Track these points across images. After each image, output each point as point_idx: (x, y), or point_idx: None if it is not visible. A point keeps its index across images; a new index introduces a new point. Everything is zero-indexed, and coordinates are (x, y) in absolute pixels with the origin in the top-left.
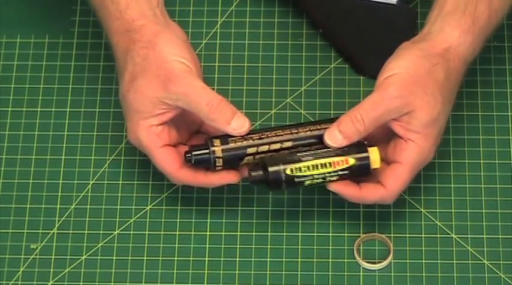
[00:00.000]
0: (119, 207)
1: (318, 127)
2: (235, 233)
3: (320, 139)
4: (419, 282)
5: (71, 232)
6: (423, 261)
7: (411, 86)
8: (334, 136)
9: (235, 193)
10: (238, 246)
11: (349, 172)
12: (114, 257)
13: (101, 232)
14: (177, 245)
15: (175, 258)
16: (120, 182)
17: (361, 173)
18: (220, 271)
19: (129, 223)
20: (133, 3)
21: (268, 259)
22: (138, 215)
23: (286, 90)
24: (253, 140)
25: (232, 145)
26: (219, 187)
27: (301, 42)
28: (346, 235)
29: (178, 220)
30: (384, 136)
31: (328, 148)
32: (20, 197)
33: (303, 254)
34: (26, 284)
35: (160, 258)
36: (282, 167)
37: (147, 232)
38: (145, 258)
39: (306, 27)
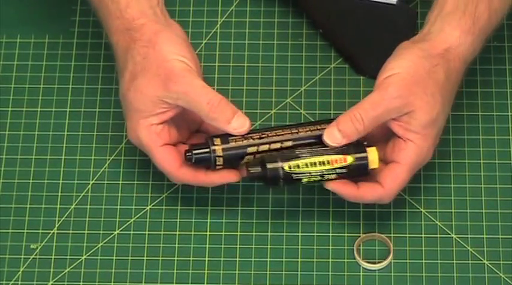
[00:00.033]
0: (119, 207)
1: (318, 127)
2: (235, 233)
3: (320, 139)
4: (419, 282)
5: (71, 232)
6: (423, 261)
7: (411, 86)
8: (333, 135)
9: (235, 193)
10: (238, 246)
11: (347, 170)
12: (114, 257)
13: (101, 232)
14: (177, 245)
15: (175, 258)
16: (120, 182)
17: (359, 173)
18: (220, 271)
19: (129, 223)
20: (133, 2)
21: (268, 259)
22: (138, 215)
23: (286, 90)
24: (253, 139)
25: (232, 144)
26: (219, 186)
27: (301, 42)
28: (346, 235)
29: (178, 220)
30: (383, 135)
31: (328, 147)
32: (20, 197)
33: (303, 254)
34: (26, 284)
35: (160, 258)
36: (280, 164)
37: (147, 232)
38: (145, 258)
39: (306, 27)
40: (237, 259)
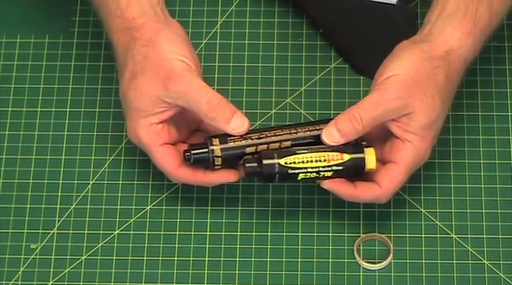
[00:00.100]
0: (119, 207)
1: (317, 127)
2: (235, 233)
3: (319, 140)
4: (419, 282)
5: (71, 232)
6: (423, 261)
7: (411, 88)
8: (331, 134)
9: (235, 193)
10: (238, 246)
11: (344, 168)
12: (114, 257)
13: (101, 232)
14: (177, 245)
15: (175, 258)
16: (120, 182)
17: (355, 173)
18: (220, 271)
19: (129, 223)
20: (134, 1)
21: (268, 259)
22: (138, 215)
23: (286, 90)
24: (252, 139)
25: (231, 144)
26: (219, 186)
27: (301, 42)
28: (346, 235)
29: (178, 220)
30: (381, 135)
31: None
32: (20, 197)
33: (303, 254)
34: (26, 284)
35: (160, 258)
36: (276, 160)
37: (147, 232)
38: (145, 258)
39: (306, 27)
40: (237, 259)
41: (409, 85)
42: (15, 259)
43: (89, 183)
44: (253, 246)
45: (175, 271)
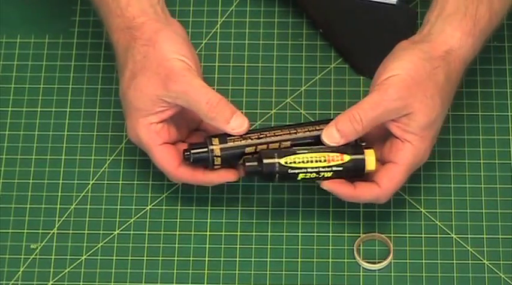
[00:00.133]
0: (119, 207)
1: (317, 128)
2: (235, 233)
3: (318, 140)
4: (419, 282)
5: (71, 232)
6: (423, 261)
7: (411, 88)
8: (331, 135)
9: (235, 193)
10: (238, 246)
11: (344, 169)
12: (114, 257)
13: (101, 232)
14: (177, 245)
15: (175, 258)
16: (120, 182)
17: (355, 174)
18: (220, 271)
19: (129, 223)
20: (134, 0)
21: (268, 259)
22: (138, 215)
23: (286, 90)
24: (251, 139)
25: (230, 144)
26: (218, 186)
27: (301, 42)
28: (346, 235)
29: (178, 220)
30: (380, 136)
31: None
32: (20, 197)
33: (303, 254)
34: (26, 284)
35: (160, 258)
36: (276, 160)
37: (147, 232)
38: (145, 258)
39: (306, 27)
40: (237, 259)
41: (409, 86)
42: (15, 259)
43: (89, 183)
44: (253, 246)
45: (175, 271)
